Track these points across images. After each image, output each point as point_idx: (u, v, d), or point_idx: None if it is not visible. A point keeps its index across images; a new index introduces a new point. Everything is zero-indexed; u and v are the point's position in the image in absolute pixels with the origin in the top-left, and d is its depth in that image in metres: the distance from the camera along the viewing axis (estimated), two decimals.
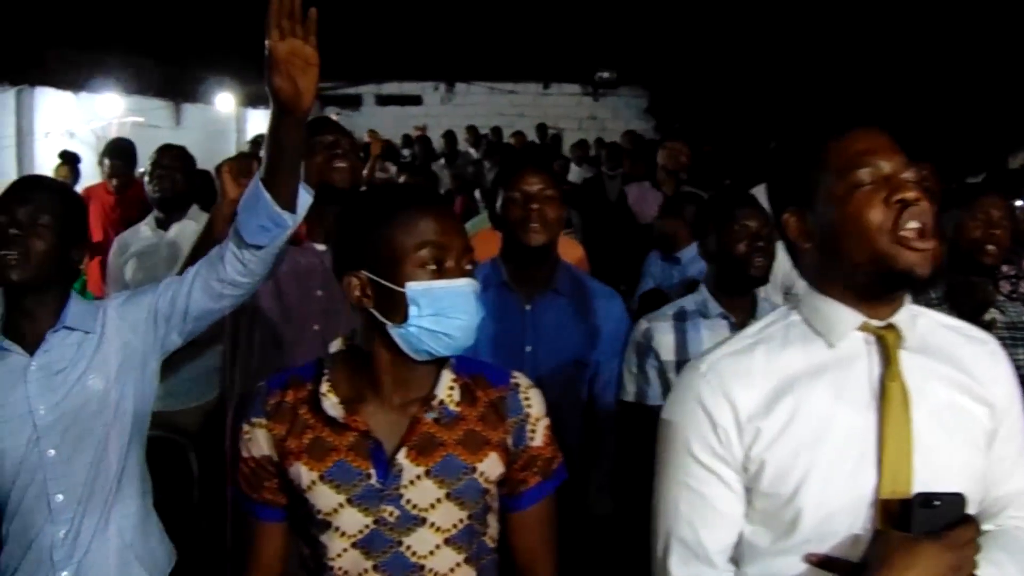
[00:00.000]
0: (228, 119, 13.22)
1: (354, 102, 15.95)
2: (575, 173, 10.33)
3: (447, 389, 1.59)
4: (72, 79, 9.30)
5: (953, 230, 2.68)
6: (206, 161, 2.47)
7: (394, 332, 1.55)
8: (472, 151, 11.76)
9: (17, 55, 8.27)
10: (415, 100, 15.98)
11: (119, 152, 5.30)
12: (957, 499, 1.35)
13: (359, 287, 1.56)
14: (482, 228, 3.83)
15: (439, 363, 1.60)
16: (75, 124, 9.54)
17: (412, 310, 1.52)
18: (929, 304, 1.54)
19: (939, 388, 1.42)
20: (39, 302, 1.99)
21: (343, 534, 1.58)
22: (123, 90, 9.89)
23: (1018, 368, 1.59)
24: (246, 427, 1.65)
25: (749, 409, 1.41)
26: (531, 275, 2.61)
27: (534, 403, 1.66)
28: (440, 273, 1.53)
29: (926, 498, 1.33)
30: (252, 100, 12.47)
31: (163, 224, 3.80)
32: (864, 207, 1.36)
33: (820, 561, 1.38)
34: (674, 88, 13.31)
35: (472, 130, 12.54)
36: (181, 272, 2.14)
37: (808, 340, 1.46)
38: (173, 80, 11.11)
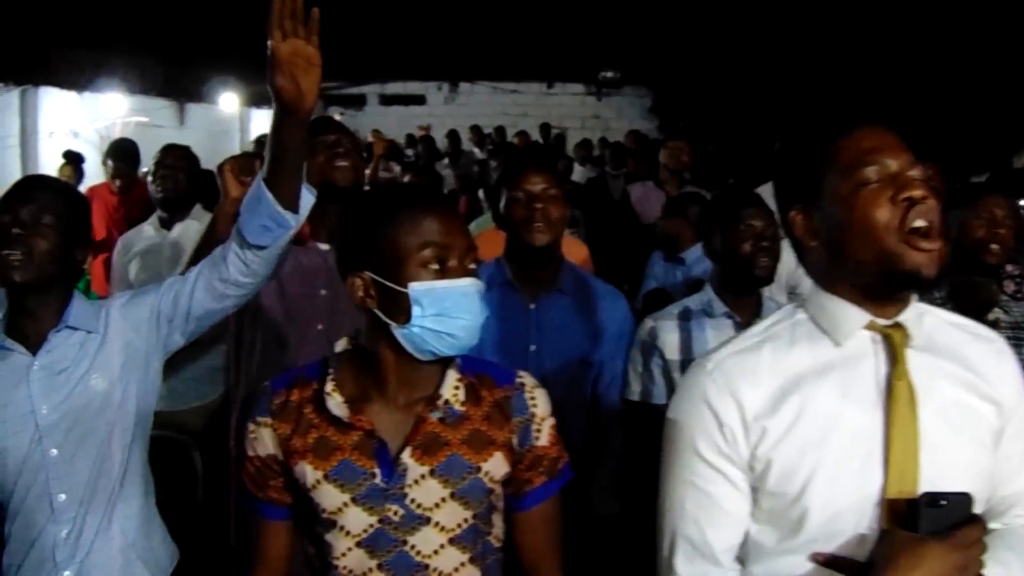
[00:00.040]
0: (232, 119, 13.25)
1: (358, 102, 15.97)
2: (579, 173, 10.31)
3: (452, 389, 1.59)
4: (76, 79, 9.31)
5: (957, 230, 2.67)
6: (210, 161, 2.47)
7: (398, 332, 1.54)
8: (476, 151, 11.76)
9: (22, 55, 8.28)
10: (419, 100, 15.99)
11: (121, 153, 5.31)
12: (964, 499, 1.34)
13: (363, 287, 1.56)
14: (486, 228, 3.83)
15: (444, 363, 1.60)
16: (79, 124, 9.55)
17: (415, 310, 1.52)
18: (932, 304, 1.53)
19: (946, 387, 1.42)
20: (42, 302, 1.99)
21: (348, 533, 1.58)
22: (127, 90, 9.90)
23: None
24: (252, 426, 1.65)
25: (755, 408, 1.41)
26: (535, 275, 2.61)
27: (540, 403, 1.65)
28: (443, 273, 1.53)
29: (933, 498, 1.32)
30: (256, 100, 12.48)
31: (167, 224, 3.80)
32: (870, 205, 1.35)
33: (826, 560, 1.38)
34: (678, 87, 13.30)
35: (476, 130, 12.54)
36: (184, 272, 2.14)
37: (814, 339, 1.45)
38: (177, 80, 11.12)
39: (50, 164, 8.21)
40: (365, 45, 11.37)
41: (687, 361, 2.58)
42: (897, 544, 1.30)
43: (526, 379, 1.67)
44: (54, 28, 8.16)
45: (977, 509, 1.37)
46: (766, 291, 2.73)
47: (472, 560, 1.61)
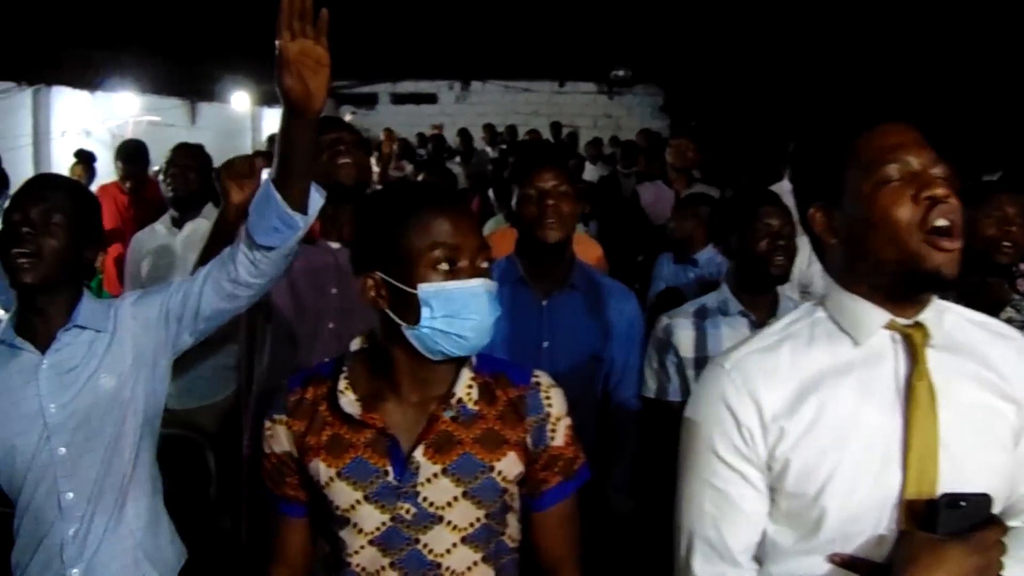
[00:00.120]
0: (244, 118, 13.29)
1: (369, 101, 16.01)
2: (590, 171, 10.30)
3: (466, 387, 1.59)
4: (88, 78, 9.34)
5: (967, 228, 2.64)
6: (221, 160, 2.48)
7: (408, 333, 1.54)
8: (489, 150, 11.76)
9: (33, 55, 8.31)
10: (430, 98, 16.02)
11: (129, 155, 5.32)
12: (983, 500, 1.33)
13: (374, 288, 1.55)
14: (501, 226, 3.82)
15: (459, 362, 1.59)
16: (91, 123, 9.59)
17: (424, 311, 1.51)
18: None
19: (966, 386, 1.40)
20: (51, 301, 1.99)
21: (361, 531, 1.58)
22: (139, 89, 9.93)
23: None
24: (268, 423, 1.66)
25: (774, 408, 1.40)
26: (547, 271, 2.60)
27: (555, 402, 1.64)
28: (453, 273, 1.52)
29: (952, 499, 1.31)
30: (268, 99, 12.51)
31: (178, 223, 3.79)
32: (892, 203, 1.34)
33: (844, 561, 1.37)
34: (689, 86, 13.26)
35: (489, 128, 12.54)
36: (194, 271, 2.13)
37: (834, 338, 1.43)
38: (189, 79, 11.15)
39: (62, 163, 8.25)
40: (377, 44, 11.38)
41: (701, 359, 2.58)
42: (916, 545, 1.29)
43: (542, 378, 1.66)
44: (66, 28, 8.17)
45: (996, 509, 1.36)
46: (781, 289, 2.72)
47: (485, 559, 1.61)
